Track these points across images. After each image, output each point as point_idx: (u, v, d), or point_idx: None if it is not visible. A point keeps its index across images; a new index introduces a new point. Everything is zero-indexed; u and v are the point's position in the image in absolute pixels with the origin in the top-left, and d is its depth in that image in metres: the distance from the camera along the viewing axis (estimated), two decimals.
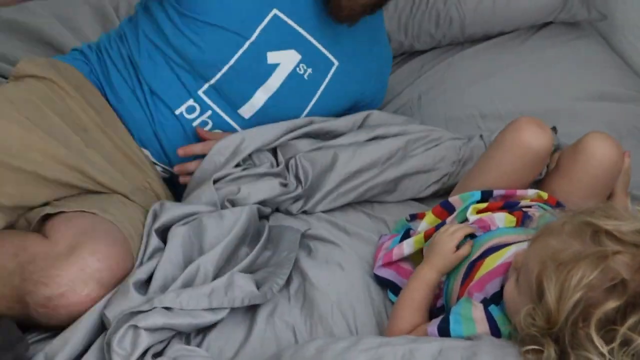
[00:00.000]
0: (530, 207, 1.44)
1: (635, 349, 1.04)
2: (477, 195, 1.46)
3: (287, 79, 1.71)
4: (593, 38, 2.21)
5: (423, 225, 1.50)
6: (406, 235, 1.51)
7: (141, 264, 1.42)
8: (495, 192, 1.47)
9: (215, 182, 1.60)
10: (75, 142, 1.53)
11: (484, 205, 1.46)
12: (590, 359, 1.05)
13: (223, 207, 1.57)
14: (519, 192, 1.47)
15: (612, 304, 1.04)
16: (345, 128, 1.73)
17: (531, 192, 1.48)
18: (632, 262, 1.06)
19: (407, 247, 1.45)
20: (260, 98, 1.70)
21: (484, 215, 1.42)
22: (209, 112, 1.70)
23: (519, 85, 2.05)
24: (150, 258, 1.42)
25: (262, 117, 1.72)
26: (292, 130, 1.69)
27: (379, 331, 1.38)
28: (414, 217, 1.58)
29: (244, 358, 1.32)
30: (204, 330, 1.35)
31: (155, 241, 1.45)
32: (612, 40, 2.23)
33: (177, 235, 1.44)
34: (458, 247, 1.35)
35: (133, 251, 1.42)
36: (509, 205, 1.45)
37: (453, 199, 1.50)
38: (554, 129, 1.74)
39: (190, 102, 1.69)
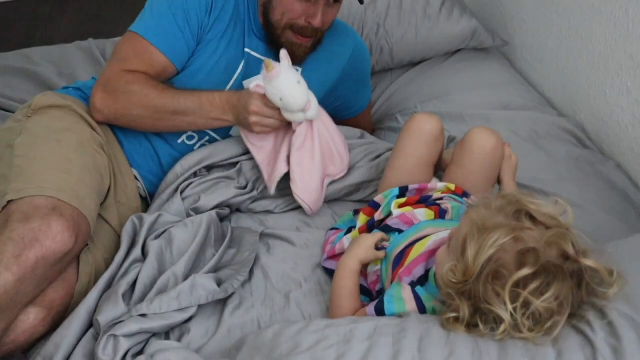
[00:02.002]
0: (442, 199, 1.44)
1: (532, 310, 1.05)
2: (396, 191, 1.47)
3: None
4: (497, 59, 2.21)
5: (358, 223, 1.49)
6: (349, 232, 1.50)
7: (119, 268, 1.39)
8: (411, 187, 1.47)
9: (182, 191, 1.58)
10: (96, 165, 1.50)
11: (403, 199, 1.45)
12: (497, 312, 1.06)
13: (188, 215, 1.54)
14: (430, 185, 1.47)
15: (526, 271, 1.05)
16: None
17: (440, 185, 1.48)
18: (539, 238, 1.07)
19: (347, 242, 1.45)
20: None
21: (406, 211, 1.41)
22: (207, 137, 1.68)
23: (439, 98, 2.05)
24: (131, 265, 1.39)
25: None
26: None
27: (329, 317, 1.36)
28: (357, 212, 1.58)
29: (214, 345, 1.29)
30: (181, 326, 1.32)
31: (138, 252, 1.41)
32: (513, 61, 2.23)
33: (152, 249, 1.40)
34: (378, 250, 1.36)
35: None
36: (424, 199, 1.45)
37: (378, 198, 1.49)
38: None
39: (189, 132, 1.66)
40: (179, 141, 1.66)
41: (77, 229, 1.30)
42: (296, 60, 1.65)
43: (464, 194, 1.46)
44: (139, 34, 1.59)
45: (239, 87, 1.67)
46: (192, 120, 1.56)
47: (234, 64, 1.66)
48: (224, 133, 1.70)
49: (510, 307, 1.04)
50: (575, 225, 1.14)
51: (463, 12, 2.16)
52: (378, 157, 1.71)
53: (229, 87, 1.66)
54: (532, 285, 1.04)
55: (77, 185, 1.38)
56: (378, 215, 1.46)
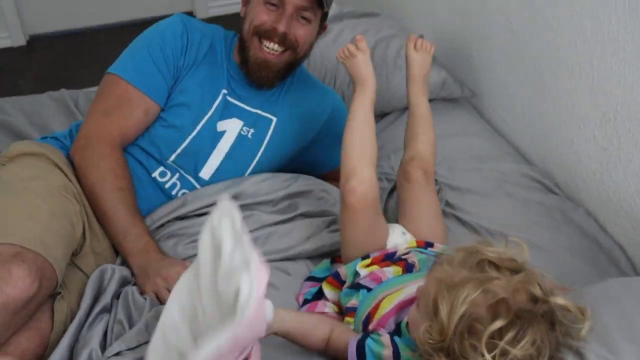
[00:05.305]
0: (407, 254, 1.45)
1: (511, 358, 1.05)
2: (358, 261, 1.45)
3: (235, 142, 1.72)
4: (466, 109, 2.25)
5: (329, 294, 1.48)
6: (319, 292, 1.49)
7: (88, 315, 1.39)
8: (372, 255, 1.46)
9: None
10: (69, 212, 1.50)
11: (368, 260, 1.45)
12: None
13: None
14: (390, 249, 1.47)
15: (500, 323, 1.05)
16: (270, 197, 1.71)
17: (401, 247, 1.48)
18: (507, 286, 1.08)
19: (324, 307, 1.46)
20: (215, 161, 1.71)
21: (374, 269, 1.41)
22: (177, 175, 1.70)
23: None
24: (100, 313, 1.40)
25: (220, 176, 1.73)
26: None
27: None
28: (334, 260, 1.58)
29: None
30: None
31: (107, 301, 1.43)
32: (481, 111, 2.28)
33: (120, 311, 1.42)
34: None
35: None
36: (389, 256, 1.45)
37: (341, 271, 1.48)
38: None
39: (162, 168, 1.69)
40: (153, 176, 1.69)
41: (40, 275, 1.28)
42: (265, 85, 1.73)
43: (427, 244, 1.47)
44: (120, 75, 1.65)
45: (210, 126, 1.70)
46: (111, 232, 1.58)
47: (207, 102, 1.71)
48: (193, 172, 1.72)
49: (488, 357, 1.04)
50: (547, 270, 1.15)
51: (432, 63, 2.20)
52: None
53: (200, 125, 1.69)
54: (508, 335, 1.05)
55: (43, 232, 1.38)
56: (346, 287, 1.45)
